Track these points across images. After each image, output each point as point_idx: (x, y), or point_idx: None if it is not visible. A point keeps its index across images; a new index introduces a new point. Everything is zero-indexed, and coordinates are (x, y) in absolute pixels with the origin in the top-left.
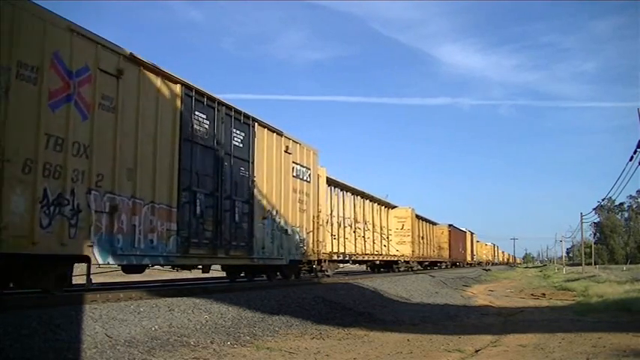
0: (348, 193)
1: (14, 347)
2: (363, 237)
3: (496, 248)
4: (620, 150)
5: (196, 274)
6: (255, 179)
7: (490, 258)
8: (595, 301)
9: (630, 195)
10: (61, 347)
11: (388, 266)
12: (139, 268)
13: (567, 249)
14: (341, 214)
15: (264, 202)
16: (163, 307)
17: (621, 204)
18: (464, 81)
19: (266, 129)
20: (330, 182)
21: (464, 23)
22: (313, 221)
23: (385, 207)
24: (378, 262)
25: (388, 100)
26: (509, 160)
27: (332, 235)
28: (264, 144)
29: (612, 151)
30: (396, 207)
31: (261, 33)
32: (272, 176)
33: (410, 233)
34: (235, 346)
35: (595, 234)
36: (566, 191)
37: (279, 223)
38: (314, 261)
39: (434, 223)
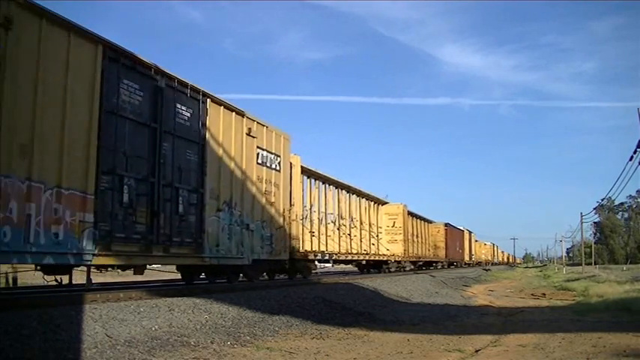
0: (331, 186)
1: (14, 347)
2: (349, 235)
3: (495, 248)
4: (620, 150)
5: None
6: (207, 165)
7: (489, 258)
8: (595, 301)
9: (630, 195)
10: (61, 347)
11: (378, 266)
12: (63, 269)
13: (567, 249)
14: (322, 210)
15: (220, 191)
16: (163, 307)
17: (621, 204)
18: (464, 81)
19: (222, 107)
20: (309, 173)
21: (464, 23)
22: (284, 215)
23: (375, 203)
24: (364, 262)
25: (388, 100)
26: (509, 160)
27: (311, 232)
28: (220, 124)
29: (612, 151)
30: (386, 203)
31: (262, 33)
32: (230, 162)
33: (402, 231)
34: (235, 346)
35: (595, 234)
36: (566, 191)
37: (240, 216)
38: (285, 261)
39: (429, 221)
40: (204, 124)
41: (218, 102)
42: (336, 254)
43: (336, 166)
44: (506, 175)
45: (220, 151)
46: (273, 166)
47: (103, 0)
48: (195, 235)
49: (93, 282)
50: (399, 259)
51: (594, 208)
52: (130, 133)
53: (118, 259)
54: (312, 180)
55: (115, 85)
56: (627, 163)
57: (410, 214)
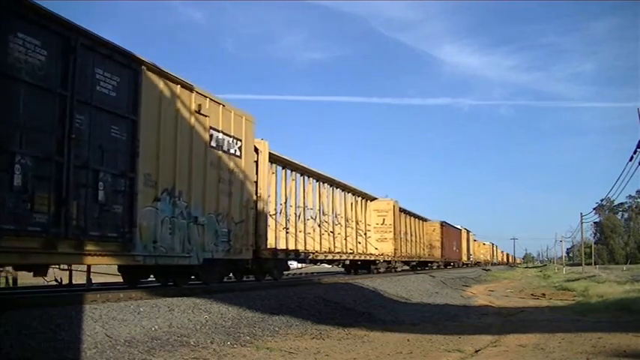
0: (311, 178)
1: (14, 347)
2: (332, 232)
3: (495, 248)
4: (620, 150)
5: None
6: (140, 145)
7: (488, 258)
8: (595, 301)
9: (630, 195)
10: (61, 347)
11: (366, 267)
12: None
13: (567, 249)
14: (300, 204)
15: (159, 178)
16: (163, 307)
17: (621, 204)
18: (464, 81)
19: (163, 78)
20: (282, 162)
21: (464, 23)
22: (247, 208)
23: (363, 198)
24: (348, 262)
25: (389, 100)
26: (509, 160)
27: (285, 228)
28: (160, 98)
29: (612, 151)
30: (375, 199)
31: (262, 33)
32: (173, 144)
33: (392, 229)
34: (235, 346)
35: (595, 234)
36: (566, 191)
37: (187, 208)
38: (248, 260)
39: (424, 220)
40: (137, 97)
41: (158, 71)
42: (315, 253)
43: (336, 166)
44: (506, 175)
45: (160, 130)
46: (232, 151)
47: (104, 0)
48: (122, 228)
49: (93, 282)
50: (389, 258)
51: (594, 209)
52: (26, 100)
53: (8, 257)
54: (289, 171)
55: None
56: (627, 163)
57: (402, 210)
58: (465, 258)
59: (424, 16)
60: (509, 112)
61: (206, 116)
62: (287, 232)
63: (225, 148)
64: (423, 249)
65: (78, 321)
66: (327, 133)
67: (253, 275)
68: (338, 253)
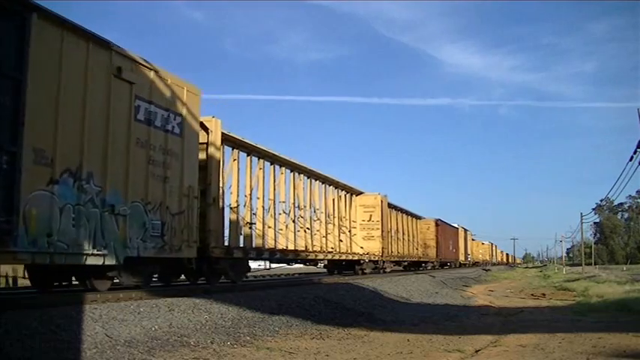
0: (284, 167)
1: (14, 347)
2: (309, 229)
3: (494, 248)
4: (620, 150)
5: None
6: (29, 112)
7: (488, 258)
8: (595, 301)
9: (630, 195)
10: (61, 347)
11: (350, 267)
12: None
13: (567, 249)
14: (271, 196)
15: (56, 154)
16: (163, 307)
17: (621, 204)
18: (464, 81)
19: (65, 30)
20: (247, 148)
21: (464, 24)
22: (189, 197)
23: (347, 193)
24: (326, 262)
25: (389, 100)
26: (510, 160)
27: (248, 223)
28: (61, 54)
29: (612, 151)
30: (362, 193)
31: (262, 34)
32: (80, 113)
33: (379, 226)
34: (235, 346)
35: (595, 234)
36: (566, 191)
37: (100, 194)
38: (191, 260)
39: (418, 217)
40: (23, 51)
41: (57, 21)
42: (286, 252)
43: (337, 165)
44: (506, 175)
45: (60, 95)
46: (169, 127)
47: (104, 0)
48: None
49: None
50: (376, 258)
51: (593, 209)
52: None
53: None
54: (255, 158)
55: None
56: (627, 163)
57: (392, 207)
58: (462, 258)
59: (424, 16)
60: (509, 112)
61: (130, 83)
62: (251, 228)
63: (158, 123)
64: (417, 248)
65: (78, 321)
66: (327, 133)
67: (195, 277)
68: (316, 252)
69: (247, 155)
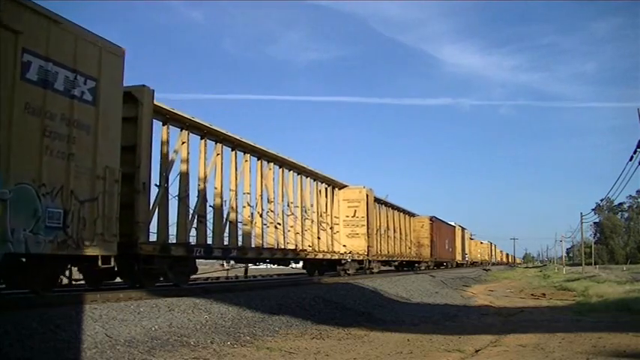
0: (249, 155)
1: (14, 347)
2: (280, 224)
3: (493, 247)
4: (620, 150)
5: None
6: None
7: (487, 257)
8: (595, 301)
9: (630, 195)
10: (61, 347)
11: (332, 267)
12: None
13: (567, 249)
14: (230, 187)
15: None
16: (163, 307)
17: (621, 204)
18: (465, 81)
19: None
20: (200, 129)
21: (464, 24)
22: (104, 181)
23: (328, 185)
24: (301, 263)
25: (389, 100)
26: (510, 160)
27: (197, 216)
28: None
29: (612, 151)
30: (345, 186)
31: (262, 33)
32: None
33: (364, 222)
34: (235, 346)
35: (595, 234)
36: (566, 191)
37: None
38: (108, 258)
39: (411, 214)
40: None
41: None
42: (247, 250)
43: (337, 166)
44: (506, 175)
45: None
46: (76, 93)
47: (104, 0)
48: None
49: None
50: (361, 257)
51: (593, 209)
52: None
53: None
54: (211, 142)
55: None
56: (627, 163)
57: (380, 202)
58: (459, 258)
59: (424, 16)
60: (510, 112)
61: (15, 32)
62: (201, 222)
63: (59, 86)
64: (409, 247)
65: (78, 321)
66: (328, 133)
67: (123, 279)
68: (288, 250)
69: (201, 138)
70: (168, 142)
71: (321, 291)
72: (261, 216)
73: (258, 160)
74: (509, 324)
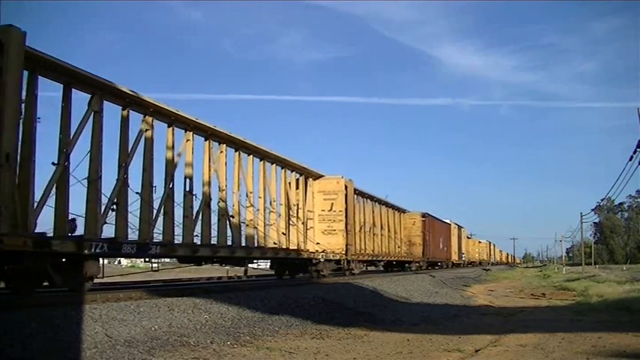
0: (191, 132)
1: (14, 347)
2: (233, 217)
3: (493, 247)
4: (620, 150)
5: (196, 273)
6: None
7: (485, 257)
8: (595, 301)
9: (630, 195)
10: (61, 347)
11: (302, 268)
12: None
13: (567, 249)
14: (166, 170)
15: None
16: (163, 307)
17: (621, 204)
18: (464, 82)
19: None
20: (123, 98)
21: (464, 24)
22: None
23: (301, 175)
24: (259, 263)
25: (388, 100)
26: (510, 160)
27: (113, 204)
28: None
29: (612, 151)
30: (321, 176)
31: (262, 34)
32: None
33: (343, 217)
34: (235, 346)
35: (595, 234)
36: (566, 191)
37: None
38: None
39: (401, 210)
40: None
41: None
42: (169, 246)
43: (336, 166)
44: (506, 175)
45: None
46: None
47: (103, 0)
48: None
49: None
50: (339, 256)
51: (593, 209)
52: None
53: None
54: (137, 114)
55: None
56: (627, 163)
57: (363, 195)
58: (455, 257)
59: (424, 16)
60: (509, 112)
61: None
62: (114, 210)
63: None
64: (399, 246)
65: (78, 321)
66: (327, 133)
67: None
68: (245, 248)
69: (123, 109)
70: (68, 108)
71: (320, 291)
72: (208, 206)
73: (205, 139)
74: (509, 324)
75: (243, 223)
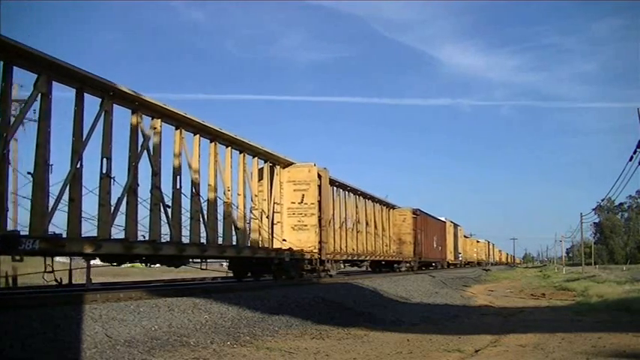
0: (112, 102)
1: (14, 347)
2: (170, 207)
3: (492, 246)
4: (620, 150)
5: (196, 273)
6: None
7: (484, 257)
8: (595, 301)
9: (630, 195)
10: (61, 347)
11: (262, 268)
12: None
13: (567, 249)
14: (72, 148)
15: None
16: (163, 307)
17: (621, 204)
18: (465, 82)
19: None
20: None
21: (465, 24)
22: None
23: (265, 161)
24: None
25: (389, 100)
26: (510, 160)
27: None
28: None
29: (612, 151)
30: (291, 164)
31: (262, 34)
32: None
33: (316, 211)
34: (235, 346)
35: (595, 234)
36: (567, 191)
37: None
38: None
39: (390, 206)
40: None
41: None
42: (78, 242)
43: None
44: (506, 175)
45: None
46: None
47: (104, 0)
48: None
49: (93, 282)
50: (309, 255)
51: (593, 209)
52: None
53: None
54: (57, 84)
55: None
56: (627, 163)
57: (342, 186)
58: (451, 257)
59: (424, 16)
60: (510, 112)
61: None
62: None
63: None
64: (387, 244)
65: (78, 321)
66: (328, 133)
67: None
68: (187, 245)
69: (43, 80)
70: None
71: (320, 291)
72: (135, 193)
73: (133, 113)
74: (509, 324)
75: (192, 215)
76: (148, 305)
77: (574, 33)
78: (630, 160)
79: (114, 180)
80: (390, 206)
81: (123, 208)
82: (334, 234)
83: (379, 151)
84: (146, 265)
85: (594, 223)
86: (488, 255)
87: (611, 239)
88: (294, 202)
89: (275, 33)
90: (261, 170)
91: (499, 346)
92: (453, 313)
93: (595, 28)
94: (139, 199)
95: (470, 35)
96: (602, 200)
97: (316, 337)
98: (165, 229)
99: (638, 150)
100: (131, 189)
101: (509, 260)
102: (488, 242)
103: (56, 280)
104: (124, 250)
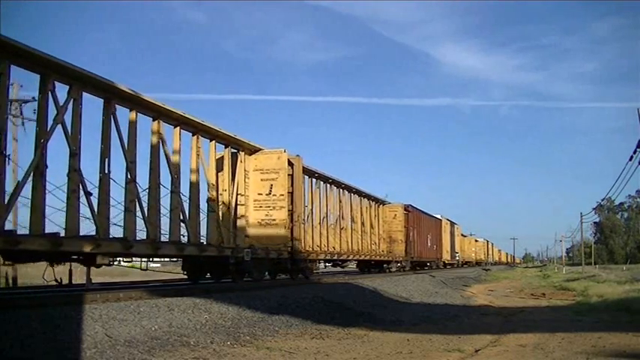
0: (51, 79)
1: (14, 347)
2: (96, 197)
3: (491, 246)
4: (620, 150)
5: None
6: None
7: (483, 257)
8: (595, 301)
9: (630, 195)
10: (61, 347)
11: (219, 269)
12: None
13: (567, 249)
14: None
15: None
16: (163, 307)
17: (621, 204)
18: (465, 82)
19: None
20: None
21: (465, 24)
22: None
23: (225, 145)
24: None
25: (389, 100)
26: (510, 160)
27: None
28: None
29: (612, 151)
30: (259, 150)
31: (263, 34)
32: None
33: (286, 204)
34: (235, 345)
35: (595, 234)
36: (567, 191)
37: None
38: None
39: (379, 201)
40: None
41: None
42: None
43: (337, 166)
44: (506, 175)
45: None
46: None
47: (104, 0)
48: None
49: (93, 282)
50: (278, 254)
51: (594, 209)
52: None
53: None
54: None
55: None
56: (627, 163)
57: (322, 178)
58: (447, 257)
59: (424, 17)
60: (510, 112)
61: None
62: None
63: None
64: (375, 243)
65: (78, 321)
66: (328, 133)
67: None
68: (85, 241)
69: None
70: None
71: (321, 291)
72: (42, 176)
73: (71, 90)
74: (509, 324)
75: (126, 207)
76: (148, 305)
77: (574, 32)
78: (630, 159)
79: (8, 158)
80: (380, 202)
81: (28, 194)
82: (312, 231)
83: (379, 151)
84: (51, 266)
85: (594, 222)
86: (487, 255)
87: (611, 239)
88: (260, 194)
89: (275, 33)
90: (222, 157)
91: (499, 345)
92: (453, 312)
93: (596, 27)
94: (49, 184)
95: (469, 35)
96: (602, 200)
97: (316, 337)
98: (88, 223)
99: (638, 150)
100: (38, 171)
101: (509, 260)
102: (487, 241)
103: (56, 280)
104: (75, 249)
